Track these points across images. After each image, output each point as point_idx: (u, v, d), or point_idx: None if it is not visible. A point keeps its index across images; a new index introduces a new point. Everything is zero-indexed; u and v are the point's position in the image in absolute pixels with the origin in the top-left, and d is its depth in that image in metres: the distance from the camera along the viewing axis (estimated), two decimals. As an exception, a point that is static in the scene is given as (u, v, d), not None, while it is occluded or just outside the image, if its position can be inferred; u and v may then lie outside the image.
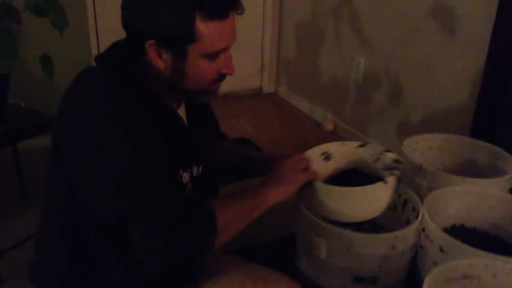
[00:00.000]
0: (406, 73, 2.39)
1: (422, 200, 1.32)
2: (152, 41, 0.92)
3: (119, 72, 0.94)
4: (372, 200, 1.25)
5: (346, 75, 2.83)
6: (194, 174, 1.09)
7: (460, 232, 1.39)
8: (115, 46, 1.01)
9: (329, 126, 2.93)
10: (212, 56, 0.95)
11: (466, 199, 1.39)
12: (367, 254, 1.21)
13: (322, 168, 1.29)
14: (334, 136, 2.86)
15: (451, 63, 2.13)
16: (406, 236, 1.22)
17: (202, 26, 0.90)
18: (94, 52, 2.59)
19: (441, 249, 1.18)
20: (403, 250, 1.23)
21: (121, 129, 0.87)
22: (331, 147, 1.35)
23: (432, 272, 0.99)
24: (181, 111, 1.09)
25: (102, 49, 2.64)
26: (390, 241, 1.20)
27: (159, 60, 0.94)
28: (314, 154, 1.30)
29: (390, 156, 1.33)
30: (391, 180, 1.21)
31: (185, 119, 1.09)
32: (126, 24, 0.95)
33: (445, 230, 1.36)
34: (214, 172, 1.20)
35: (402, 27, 2.36)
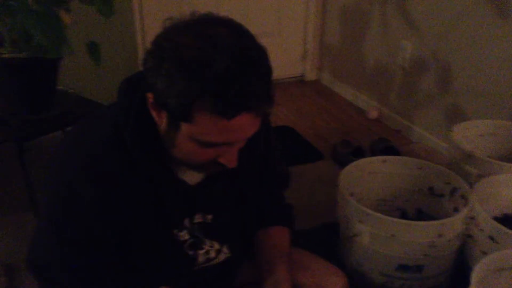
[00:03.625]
0: (455, 57, 2.30)
1: (471, 188, 1.27)
2: (150, 95, 0.78)
3: (130, 117, 0.84)
4: None
5: (392, 61, 2.76)
6: (198, 221, 0.98)
7: (512, 222, 1.33)
8: (131, 82, 0.89)
9: (374, 114, 2.86)
10: (207, 145, 0.78)
11: (518, 187, 1.33)
12: (412, 241, 1.18)
13: None
14: (378, 124, 2.80)
15: (503, 47, 2.03)
16: (454, 224, 1.18)
17: (201, 115, 0.73)
18: (139, 39, 2.64)
19: (492, 238, 1.14)
20: (450, 238, 1.19)
21: (71, 211, 0.84)
22: None
23: (481, 262, 0.96)
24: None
25: (147, 37, 2.70)
26: (437, 229, 1.17)
27: (156, 115, 0.80)
28: None
29: None
30: None
31: (197, 175, 0.93)
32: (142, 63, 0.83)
33: (496, 219, 1.31)
34: (234, 221, 1.06)
35: (451, 9, 2.27)
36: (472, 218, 1.22)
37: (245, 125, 0.77)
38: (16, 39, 1.49)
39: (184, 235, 0.96)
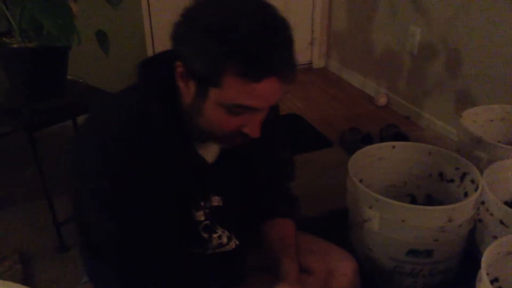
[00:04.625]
0: (466, 42, 2.28)
1: (481, 173, 1.27)
2: (179, 64, 0.82)
3: (153, 92, 0.87)
4: None
5: (401, 47, 2.74)
6: (213, 204, 1.00)
7: (522, 206, 1.33)
8: (160, 55, 0.93)
9: (382, 101, 2.85)
10: (232, 110, 0.82)
11: (529, 172, 1.33)
12: (422, 226, 1.18)
13: None
14: (387, 110, 2.79)
15: (514, 31, 2.01)
16: (464, 209, 1.19)
17: (230, 78, 0.78)
18: (147, 27, 2.64)
19: (502, 223, 1.14)
20: (460, 223, 1.20)
21: (118, 189, 0.84)
22: None
23: (492, 245, 0.96)
24: (211, 145, 0.96)
25: (154, 24, 2.70)
26: (447, 214, 1.17)
27: (184, 85, 0.84)
28: None
29: None
30: None
31: (213, 153, 0.97)
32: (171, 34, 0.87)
33: (506, 203, 1.31)
34: (243, 206, 1.08)
35: (461, -6, 2.25)
36: (483, 202, 1.22)
37: (270, 90, 0.81)
38: (25, 28, 1.49)
39: (200, 215, 0.98)
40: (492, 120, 1.64)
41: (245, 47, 0.76)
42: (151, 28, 2.64)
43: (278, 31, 0.80)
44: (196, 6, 0.82)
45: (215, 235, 1.02)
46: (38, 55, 1.52)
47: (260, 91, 0.80)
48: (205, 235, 1.00)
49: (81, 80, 1.79)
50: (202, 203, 0.98)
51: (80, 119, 2.01)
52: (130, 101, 0.89)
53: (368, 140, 2.18)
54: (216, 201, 1.00)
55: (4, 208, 1.86)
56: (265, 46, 0.77)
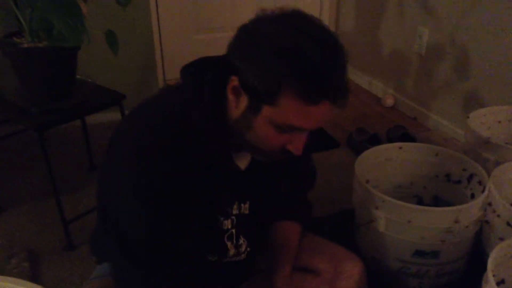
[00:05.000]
0: (474, 43, 2.27)
1: (489, 175, 1.26)
2: (235, 78, 0.84)
3: (199, 99, 0.88)
4: None
5: (409, 47, 2.73)
6: (241, 211, 1.01)
7: (530, 208, 1.33)
8: (206, 62, 0.93)
9: (389, 101, 2.85)
10: (283, 128, 0.84)
11: (537, 173, 1.32)
12: (429, 227, 1.18)
13: None
14: (394, 111, 2.79)
15: (523, 32, 2.00)
16: (471, 210, 1.18)
17: (286, 98, 0.80)
18: (155, 27, 2.65)
19: (509, 224, 1.13)
20: (467, 224, 1.19)
21: (151, 199, 0.85)
22: None
23: (498, 247, 0.96)
24: (243, 154, 0.98)
25: (162, 25, 2.71)
26: (454, 215, 1.17)
27: (235, 98, 0.86)
28: None
29: None
30: None
31: (245, 162, 1.00)
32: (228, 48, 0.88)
33: (513, 205, 1.30)
34: (265, 214, 1.10)
35: (469, -5, 2.24)
36: (489, 204, 1.22)
37: (322, 113, 0.84)
38: (36, 28, 1.51)
39: (228, 224, 0.98)
40: (499, 122, 1.64)
41: (307, 70, 0.78)
42: (159, 29, 2.66)
43: (338, 58, 0.82)
44: (260, 23, 0.84)
45: (235, 243, 1.02)
46: (48, 55, 1.53)
47: (314, 114, 0.83)
48: (228, 243, 1.00)
49: (90, 80, 1.81)
50: (230, 210, 0.98)
51: (89, 118, 2.03)
52: (173, 105, 0.90)
53: (375, 140, 2.18)
54: (245, 208, 1.01)
55: (13, 206, 1.88)
56: (326, 71, 0.80)
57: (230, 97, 0.86)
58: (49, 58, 1.54)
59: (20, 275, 1.52)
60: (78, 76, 1.71)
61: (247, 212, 1.02)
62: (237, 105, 0.86)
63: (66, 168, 2.12)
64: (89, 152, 2.11)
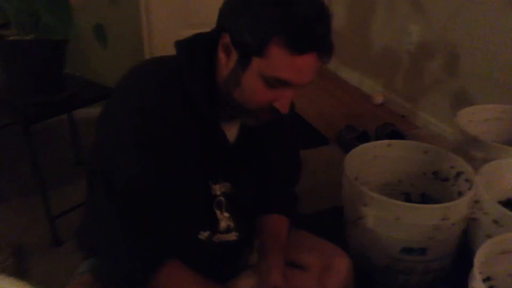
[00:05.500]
0: (462, 42, 2.28)
1: (476, 172, 1.27)
2: (226, 35, 0.89)
3: (180, 67, 0.93)
4: None
5: (398, 45, 2.74)
6: (223, 191, 1.04)
7: (516, 206, 1.34)
8: (197, 35, 0.99)
9: (379, 99, 2.86)
10: (271, 82, 0.88)
11: (523, 171, 1.33)
12: (416, 224, 1.19)
13: None
14: (384, 109, 2.80)
15: (510, 31, 2.02)
16: (458, 207, 1.19)
17: (275, 48, 0.85)
18: (144, 21, 2.63)
19: (496, 222, 1.14)
20: (454, 222, 1.20)
21: (141, 138, 0.87)
22: None
23: (485, 244, 0.96)
24: (232, 126, 1.03)
25: (151, 18, 2.70)
26: (441, 212, 1.17)
27: (225, 56, 0.91)
28: None
29: None
30: None
31: (233, 135, 1.04)
32: (219, 9, 0.94)
33: (500, 203, 1.31)
34: (250, 196, 1.11)
35: (459, -7, 2.25)
36: (477, 202, 1.22)
37: (309, 65, 0.88)
38: (22, 20, 1.49)
39: (216, 189, 1.01)
40: (487, 120, 1.65)
41: (295, 20, 0.84)
42: (148, 22, 2.64)
43: (324, 14, 0.88)
44: None
45: (226, 215, 1.04)
46: (35, 48, 1.51)
47: (300, 65, 0.87)
48: (217, 212, 1.02)
49: (78, 74, 1.79)
50: (219, 177, 1.02)
51: (77, 113, 2.01)
52: (166, 67, 0.94)
53: (364, 138, 2.19)
54: (227, 187, 1.04)
55: (-1, 201, 1.86)
56: (314, 23, 0.85)
57: (221, 55, 0.90)
58: (36, 51, 1.52)
59: (6, 271, 1.50)
60: (66, 71, 1.69)
61: (228, 191, 1.04)
62: (227, 63, 0.90)
63: (53, 163, 2.09)
64: (76, 147, 2.09)
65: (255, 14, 0.85)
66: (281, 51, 0.85)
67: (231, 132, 1.02)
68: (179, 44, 0.97)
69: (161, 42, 2.72)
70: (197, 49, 0.94)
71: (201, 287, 0.94)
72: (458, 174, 1.35)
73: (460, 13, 2.28)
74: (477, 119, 1.64)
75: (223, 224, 1.04)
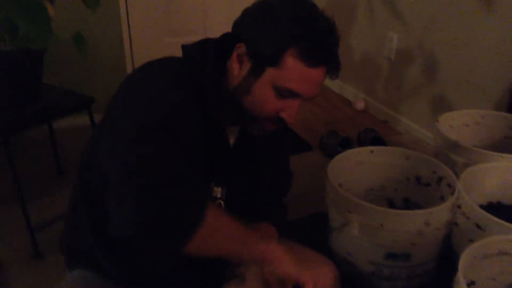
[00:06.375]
0: (441, 48, 2.32)
1: (457, 177, 1.28)
2: (241, 45, 0.93)
3: (194, 69, 0.95)
4: None
5: (378, 52, 2.77)
6: (218, 195, 1.05)
7: (497, 209, 1.36)
8: (206, 41, 1.02)
9: (360, 105, 2.88)
10: (281, 92, 0.93)
11: (503, 175, 1.35)
12: (400, 230, 1.19)
13: None
14: (365, 115, 2.82)
15: (488, 37, 2.05)
16: (441, 212, 1.20)
17: (290, 59, 0.90)
18: (125, 30, 2.61)
19: (478, 226, 1.15)
20: (437, 227, 1.21)
21: (165, 118, 0.85)
22: None
23: (468, 249, 0.97)
24: (232, 133, 1.06)
25: (132, 27, 2.68)
26: (424, 218, 1.18)
27: (238, 65, 0.94)
28: None
29: None
30: None
31: (231, 141, 1.06)
32: (234, 22, 0.98)
33: (481, 207, 1.32)
34: (241, 202, 1.11)
35: (437, 0, 2.29)
36: (459, 206, 1.23)
37: (318, 79, 0.94)
38: (1, 31, 1.46)
39: (217, 192, 1.03)
40: (467, 125, 1.67)
41: (312, 34, 0.89)
42: (129, 31, 2.62)
43: (336, 32, 0.95)
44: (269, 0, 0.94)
45: None
46: (13, 59, 1.49)
47: (312, 77, 0.92)
48: None
49: (57, 84, 1.77)
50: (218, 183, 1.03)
51: (56, 123, 1.98)
52: (180, 66, 0.96)
53: (346, 144, 2.20)
54: (218, 192, 1.05)
55: (-23, 214, 1.81)
56: (328, 38, 0.92)
57: (234, 65, 0.94)
58: (14, 62, 1.49)
59: (-16, 285, 1.47)
60: (46, 81, 1.67)
61: (219, 195, 1.05)
62: (239, 72, 0.94)
63: (34, 174, 2.06)
64: (57, 157, 2.06)
65: (274, 26, 0.90)
66: (296, 63, 0.89)
67: (231, 135, 1.06)
68: (189, 48, 0.99)
69: (143, 50, 2.70)
70: (209, 54, 0.97)
71: (244, 231, 0.90)
72: (440, 179, 1.37)
73: (438, 20, 2.31)
74: (458, 124, 1.66)
75: None
